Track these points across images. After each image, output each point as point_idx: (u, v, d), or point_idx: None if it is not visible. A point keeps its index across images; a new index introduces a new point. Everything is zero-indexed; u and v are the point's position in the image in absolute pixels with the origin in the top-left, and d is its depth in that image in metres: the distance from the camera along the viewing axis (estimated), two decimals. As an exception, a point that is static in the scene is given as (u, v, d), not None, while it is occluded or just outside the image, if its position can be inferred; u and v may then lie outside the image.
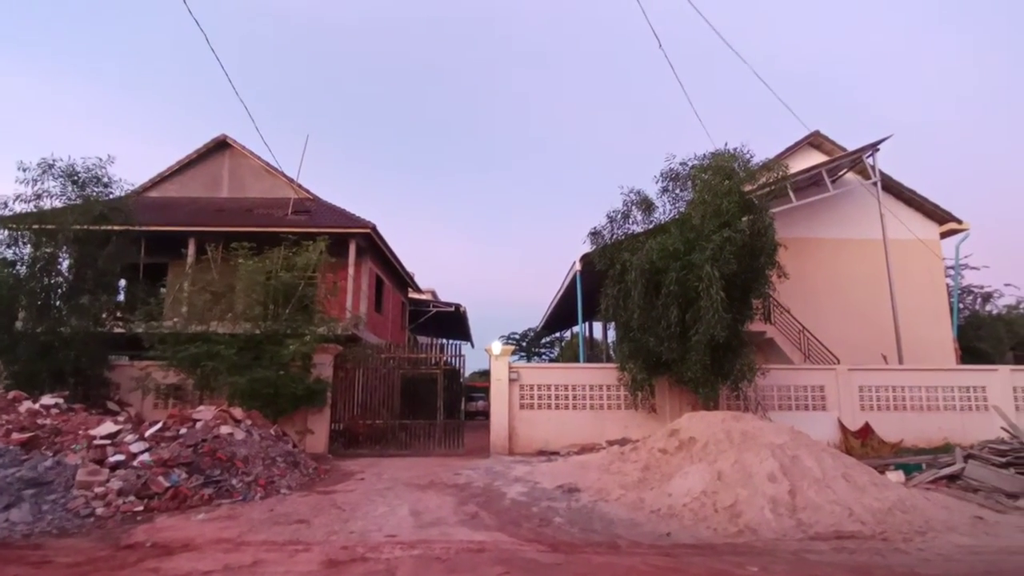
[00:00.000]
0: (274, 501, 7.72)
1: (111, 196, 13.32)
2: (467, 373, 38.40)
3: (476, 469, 10.43)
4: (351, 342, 14.46)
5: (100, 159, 13.14)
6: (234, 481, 8.01)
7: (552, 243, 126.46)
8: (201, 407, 9.88)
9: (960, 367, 16.14)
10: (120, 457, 7.78)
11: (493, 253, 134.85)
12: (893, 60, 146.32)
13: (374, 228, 17.15)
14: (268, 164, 19.40)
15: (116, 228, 13.23)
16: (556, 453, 12.35)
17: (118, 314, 14.18)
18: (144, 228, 14.58)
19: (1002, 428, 9.63)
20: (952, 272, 20.49)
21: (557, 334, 39.99)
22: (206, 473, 7.88)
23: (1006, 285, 25.94)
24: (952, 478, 8.88)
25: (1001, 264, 48.48)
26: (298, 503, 7.63)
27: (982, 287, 25.74)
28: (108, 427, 8.59)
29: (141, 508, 7.02)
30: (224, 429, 8.90)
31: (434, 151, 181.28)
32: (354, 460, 11.80)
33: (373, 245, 18.21)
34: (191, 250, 15.87)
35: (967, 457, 9.18)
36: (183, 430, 8.65)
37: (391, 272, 21.75)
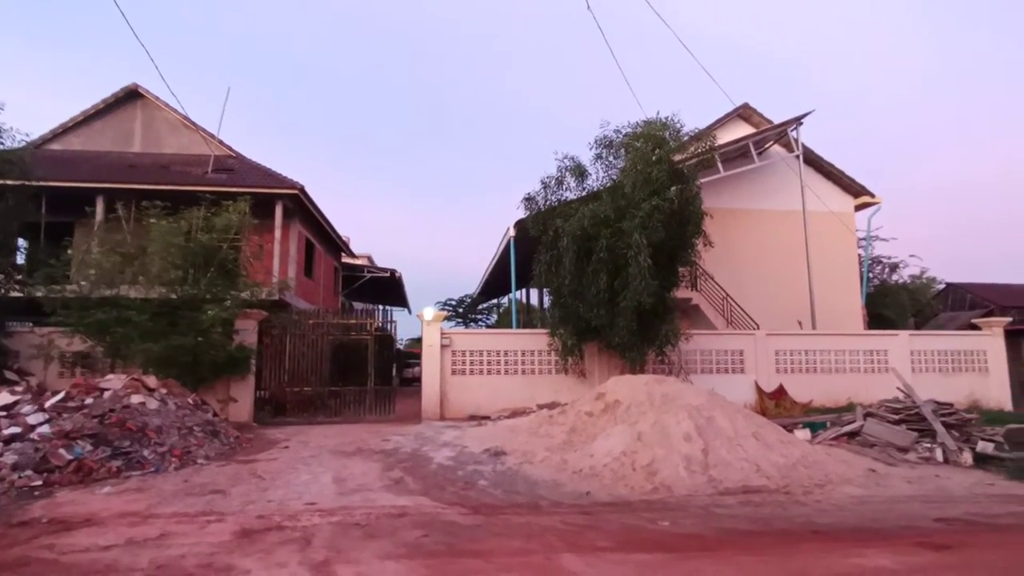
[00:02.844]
0: (190, 472, 7.43)
1: (3, 147, 12.17)
2: (404, 340, 38.17)
3: (406, 435, 10.40)
4: (278, 308, 13.97)
5: (-13, 105, 11.94)
6: (146, 452, 7.64)
7: (492, 209, 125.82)
8: (111, 376, 9.31)
9: (866, 332, 17.35)
10: (16, 430, 7.26)
11: (433, 219, 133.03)
12: (824, 31, 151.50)
13: (302, 189, 16.47)
14: (186, 118, 18.11)
15: (10, 183, 12.13)
16: (487, 417, 12.48)
17: (17, 276, 13.12)
18: (45, 183, 13.43)
19: (898, 388, 10.39)
20: (864, 243, 21.78)
21: (494, 301, 40.17)
22: (114, 444, 7.47)
23: (911, 256, 27.93)
24: (853, 435, 9.57)
25: (907, 236, 52.04)
26: (215, 473, 7.37)
27: (890, 258, 27.63)
28: (3, 398, 7.99)
29: (40, 483, 6.59)
30: (135, 399, 8.46)
31: (372, 115, 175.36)
32: (280, 428, 11.52)
33: (302, 207, 17.51)
34: (99, 208, 14.78)
35: (866, 415, 9.88)
36: (89, 400, 8.15)
37: (322, 236, 21.04)
